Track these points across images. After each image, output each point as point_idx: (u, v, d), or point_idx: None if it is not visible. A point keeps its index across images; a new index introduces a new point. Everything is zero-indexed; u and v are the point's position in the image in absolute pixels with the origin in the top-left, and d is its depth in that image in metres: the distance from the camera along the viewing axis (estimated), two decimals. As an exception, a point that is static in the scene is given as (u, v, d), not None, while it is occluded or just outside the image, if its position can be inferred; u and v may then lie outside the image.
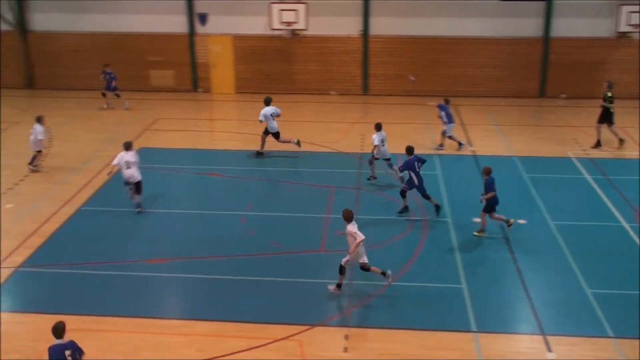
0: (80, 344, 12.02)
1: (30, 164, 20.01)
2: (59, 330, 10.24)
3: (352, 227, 13.01)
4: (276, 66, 29.13)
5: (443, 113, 21.40)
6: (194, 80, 29.65)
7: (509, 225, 15.95)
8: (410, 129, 23.66)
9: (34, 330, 12.42)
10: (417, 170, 16.69)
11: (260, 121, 20.68)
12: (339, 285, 13.39)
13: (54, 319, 12.58)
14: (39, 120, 19.98)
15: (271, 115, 20.53)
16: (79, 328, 12.38)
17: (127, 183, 17.05)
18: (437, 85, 28.26)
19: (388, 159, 18.99)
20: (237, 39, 28.95)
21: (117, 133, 22.81)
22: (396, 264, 14.53)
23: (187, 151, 21.63)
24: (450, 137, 21.78)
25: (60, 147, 22.25)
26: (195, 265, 14.61)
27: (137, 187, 16.98)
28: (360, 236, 12.89)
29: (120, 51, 29.35)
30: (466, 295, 13.38)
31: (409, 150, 17.01)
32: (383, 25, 28.25)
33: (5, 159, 20.66)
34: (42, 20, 29.53)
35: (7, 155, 20.69)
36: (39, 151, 20.02)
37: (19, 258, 14.98)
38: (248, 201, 17.94)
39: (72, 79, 29.37)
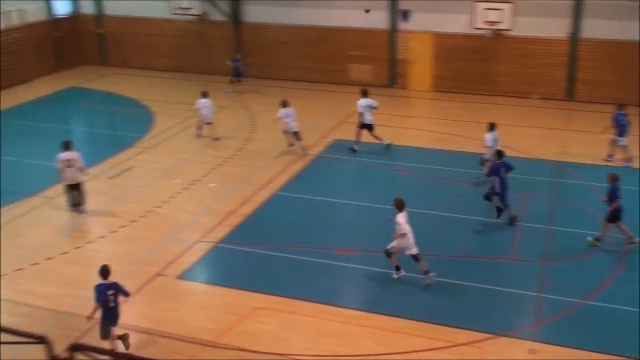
0: (265, 322, 12.66)
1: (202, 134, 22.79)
2: (105, 271, 11.09)
3: (400, 218, 13.35)
4: (475, 66, 28.46)
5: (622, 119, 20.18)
6: (392, 76, 29.82)
7: (632, 242, 14.92)
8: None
9: (226, 303, 13.23)
10: (502, 175, 16.11)
11: (361, 113, 21.11)
12: (397, 268, 13.87)
13: (244, 294, 13.48)
14: (205, 94, 22.35)
15: (367, 107, 20.97)
16: (265, 306, 13.03)
17: (287, 132, 20.67)
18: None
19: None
20: (438, 36, 28.67)
21: (315, 123, 23.55)
22: (590, 281, 13.71)
23: (379, 146, 21.76)
24: (618, 144, 20.36)
25: (262, 133, 23.42)
26: (380, 259, 14.66)
27: (296, 135, 20.64)
28: (403, 229, 13.29)
29: (323, 44, 30.32)
30: (669, 325, 12.26)
31: (499, 154, 16.48)
32: (596, 28, 26.50)
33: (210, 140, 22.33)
34: (254, 12, 31.27)
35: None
36: (208, 123, 22.37)
37: (219, 234, 16.05)
38: (436, 200, 17.73)
39: (278, 69, 30.76)
